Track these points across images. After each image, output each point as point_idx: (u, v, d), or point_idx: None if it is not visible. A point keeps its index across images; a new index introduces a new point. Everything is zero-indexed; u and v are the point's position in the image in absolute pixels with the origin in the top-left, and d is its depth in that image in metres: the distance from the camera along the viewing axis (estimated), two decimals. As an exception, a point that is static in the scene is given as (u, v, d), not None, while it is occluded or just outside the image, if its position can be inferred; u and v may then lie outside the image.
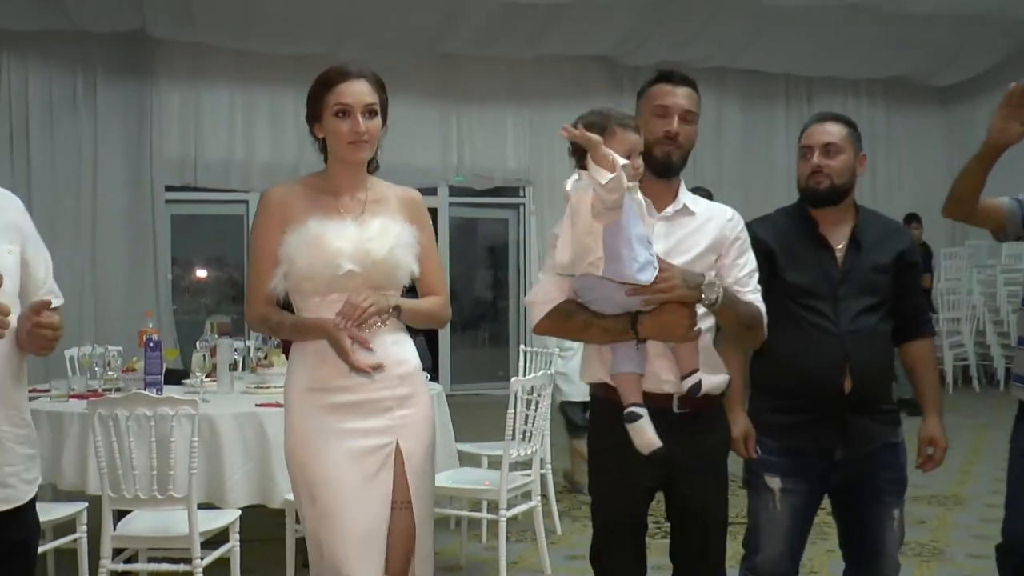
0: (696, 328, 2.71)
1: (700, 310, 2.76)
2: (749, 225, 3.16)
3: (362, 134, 2.79)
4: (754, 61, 12.36)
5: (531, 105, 11.96)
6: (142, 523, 4.06)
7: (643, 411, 2.69)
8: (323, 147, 2.89)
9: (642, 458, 2.72)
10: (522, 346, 6.31)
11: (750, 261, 2.95)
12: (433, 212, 12.59)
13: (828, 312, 3.05)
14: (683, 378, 2.75)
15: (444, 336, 11.88)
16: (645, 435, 2.68)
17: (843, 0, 10.32)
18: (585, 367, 2.94)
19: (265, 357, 5.43)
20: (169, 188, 11.00)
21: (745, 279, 2.91)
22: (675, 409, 2.79)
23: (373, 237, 2.79)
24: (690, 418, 2.81)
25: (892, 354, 3.24)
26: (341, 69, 2.83)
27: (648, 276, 2.64)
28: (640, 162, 2.72)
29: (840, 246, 3.14)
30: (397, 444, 2.82)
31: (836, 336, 3.03)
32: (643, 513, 2.93)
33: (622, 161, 2.55)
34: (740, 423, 3.10)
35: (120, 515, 4.12)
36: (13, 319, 2.36)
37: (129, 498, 3.88)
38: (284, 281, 2.79)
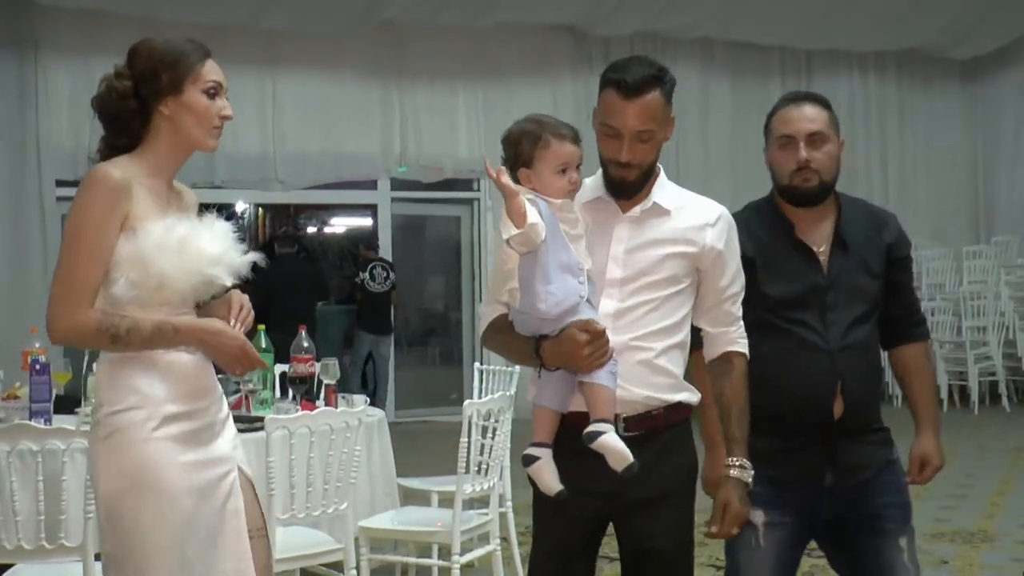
0: (603, 361, 2.75)
1: (661, 325, 2.85)
2: None
3: (230, 119, 2.81)
4: (745, 31, 12.44)
5: (486, 83, 11.92)
6: (27, 578, 4.01)
7: (542, 453, 2.83)
8: (136, 129, 2.76)
9: (585, 486, 2.81)
10: (477, 364, 6.26)
11: (738, 277, 2.98)
12: (373, 209, 12.59)
13: (816, 325, 3.08)
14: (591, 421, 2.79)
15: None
16: (542, 479, 2.84)
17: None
18: (529, 388, 3.03)
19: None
20: (61, 183, 10.83)
21: (729, 303, 2.96)
22: (621, 432, 2.79)
23: (231, 245, 2.81)
24: (643, 441, 2.83)
25: (882, 369, 3.30)
26: (203, 43, 2.81)
27: (562, 307, 2.74)
28: (576, 176, 2.83)
29: (822, 248, 3.17)
30: (240, 469, 2.89)
31: (826, 353, 3.07)
32: (581, 547, 2.97)
33: (534, 219, 2.66)
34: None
35: (0, 569, 4.07)
36: None
37: (11, 549, 3.81)
38: (130, 289, 2.68)
